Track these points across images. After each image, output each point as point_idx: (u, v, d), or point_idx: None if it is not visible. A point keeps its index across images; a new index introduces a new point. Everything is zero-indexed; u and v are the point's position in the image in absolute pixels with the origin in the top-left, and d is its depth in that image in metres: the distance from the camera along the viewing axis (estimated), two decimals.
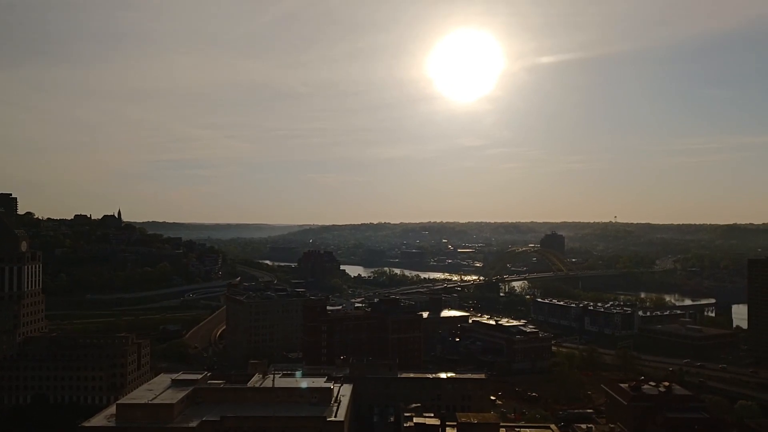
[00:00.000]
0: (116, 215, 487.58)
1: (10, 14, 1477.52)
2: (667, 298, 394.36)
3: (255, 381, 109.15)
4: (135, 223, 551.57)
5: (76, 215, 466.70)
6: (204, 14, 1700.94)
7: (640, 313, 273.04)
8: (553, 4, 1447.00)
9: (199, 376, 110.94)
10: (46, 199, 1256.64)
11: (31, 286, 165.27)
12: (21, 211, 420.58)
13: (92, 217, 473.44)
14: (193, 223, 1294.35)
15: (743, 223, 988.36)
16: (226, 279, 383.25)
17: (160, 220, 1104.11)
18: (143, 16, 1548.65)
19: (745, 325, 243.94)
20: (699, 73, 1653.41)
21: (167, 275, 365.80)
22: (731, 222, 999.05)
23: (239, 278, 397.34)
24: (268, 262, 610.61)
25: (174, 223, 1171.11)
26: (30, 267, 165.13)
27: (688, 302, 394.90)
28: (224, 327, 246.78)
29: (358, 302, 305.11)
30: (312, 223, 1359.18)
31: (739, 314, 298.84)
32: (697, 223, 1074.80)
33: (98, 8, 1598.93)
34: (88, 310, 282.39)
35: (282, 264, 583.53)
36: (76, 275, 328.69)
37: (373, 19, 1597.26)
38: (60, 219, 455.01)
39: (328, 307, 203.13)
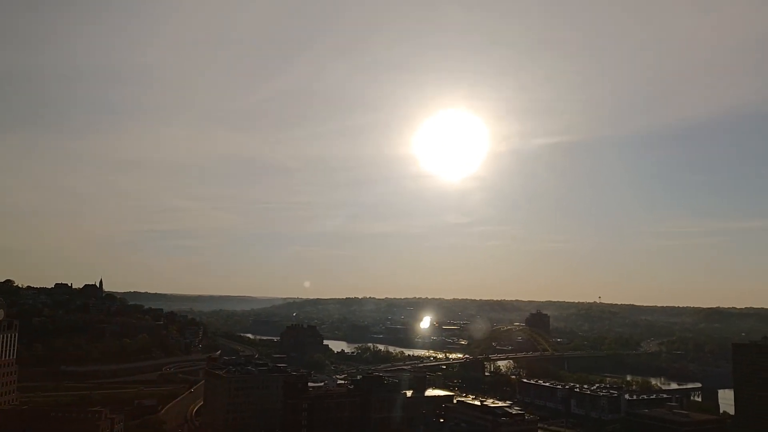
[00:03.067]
0: (97, 285, 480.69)
1: (8, 81, 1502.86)
2: (653, 381, 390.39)
3: None
4: (116, 293, 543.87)
5: (56, 284, 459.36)
6: (197, 90, 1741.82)
7: (627, 396, 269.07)
8: (536, 89, 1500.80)
9: None
10: (28, 266, 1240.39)
11: (5, 356, 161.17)
12: (0, 278, 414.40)
13: (73, 286, 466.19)
14: (175, 294, 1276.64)
15: (726, 306, 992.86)
16: (207, 352, 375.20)
17: (143, 291, 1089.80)
18: (137, 90, 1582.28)
19: (731, 410, 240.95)
20: (678, 158, 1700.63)
21: (146, 347, 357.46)
22: (714, 305, 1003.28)
23: (219, 351, 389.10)
24: (250, 335, 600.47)
25: (156, 293, 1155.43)
26: (5, 336, 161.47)
27: (674, 386, 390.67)
28: (202, 403, 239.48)
29: (341, 379, 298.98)
30: (296, 297, 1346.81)
31: (726, 399, 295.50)
32: (681, 305, 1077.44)
33: (94, 81, 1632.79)
34: (62, 382, 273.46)
35: (264, 338, 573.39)
36: (53, 346, 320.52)
37: (363, 99, 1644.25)
38: (40, 287, 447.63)
39: (310, 384, 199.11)
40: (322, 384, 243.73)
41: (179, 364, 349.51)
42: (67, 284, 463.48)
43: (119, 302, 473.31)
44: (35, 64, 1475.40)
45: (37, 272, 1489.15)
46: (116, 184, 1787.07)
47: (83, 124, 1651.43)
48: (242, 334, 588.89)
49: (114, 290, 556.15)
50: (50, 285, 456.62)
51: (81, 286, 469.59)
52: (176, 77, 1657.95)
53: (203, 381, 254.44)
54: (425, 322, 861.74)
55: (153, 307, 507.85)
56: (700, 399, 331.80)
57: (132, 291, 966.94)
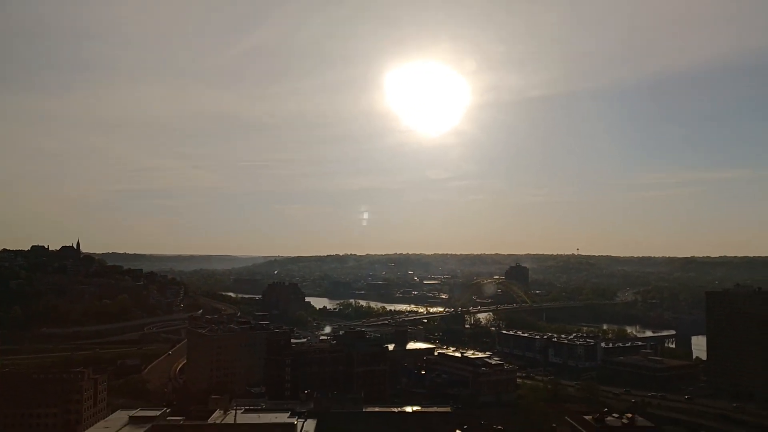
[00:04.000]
0: (75, 246, 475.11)
1: None
2: (629, 329, 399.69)
3: (216, 417, 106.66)
4: (95, 254, 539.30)
5: (33, 246, 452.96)
6: (172, 46, 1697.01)
7: (603, 344, 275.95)
8: (516, 42, 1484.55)
9: (158, 413, 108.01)
10: (3, 229, 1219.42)
11: None
12: None
13: (50, 248, 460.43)
14: (155, 255, 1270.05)
15: (700, 256, 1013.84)
16: (188, 311, 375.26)
17: (121, 252, 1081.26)
18: (110, 47, 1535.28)
19: (704, 356, 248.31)
20: (657, 110, 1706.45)
21: (127, 308, 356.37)
22: (689, 255, 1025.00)
23: (201, 311, 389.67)
24: (231, 294, 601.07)
25: (135, 254, 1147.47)
26: None
27: (649, 334, 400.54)
28: (185, 361, 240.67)
29: (323, 335, 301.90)
30: (277, 255, 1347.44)
31: (699, 346, 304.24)
32: (657, 255, 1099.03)
33: (64, 37, 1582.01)
34: (42, 344, 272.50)
35: (246, 296, 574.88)
36: (32, 308, 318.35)
37: (342, 53, 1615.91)
38: (16, 250, 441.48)
39: (293, 341, 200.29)
40: (304, 340, 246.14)
41: (161, 324, 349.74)
42: (43, 246, 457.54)
43: (98, 263, 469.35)
44: (1, 20, 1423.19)
45: (12, 235, 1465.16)
46: (91, 144, 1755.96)
47: (56, 83, 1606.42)
48: (224, 293, 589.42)
49: (92, 251, 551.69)
50: (27, 247, 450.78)
51: (58, 248, 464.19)
52: (151, 33, 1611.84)
53: (186, 340, 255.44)
54: (406, 277, 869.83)
55: (132, 267, 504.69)
56: (674, 346, 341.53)
57: (110, 252, 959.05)
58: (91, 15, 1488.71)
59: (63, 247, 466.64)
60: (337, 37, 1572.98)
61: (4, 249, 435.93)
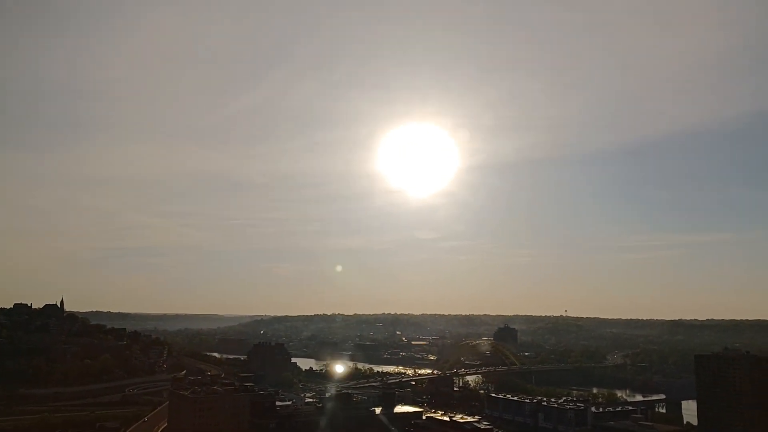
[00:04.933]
0: (58, 304, 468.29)
1: None
2: (619, 393, 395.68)
3: None
4: (78, 312, 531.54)
5: (15, 304, 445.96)
6: (164, 106, 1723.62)
7: (593, 409, 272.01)
8: (503, 107, 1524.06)
9: None
10: None
11: None
12: None
13: (33, 306, 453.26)
14: (139, 314, 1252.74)
15: (688, 318, 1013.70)
16: (172, 372, 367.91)
17: (105, 310, 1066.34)
18: (102, 106, 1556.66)
19: (695, 421, 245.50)
20: (642, 174, 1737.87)
21: (108, 368, 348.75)
22: (676, 317, 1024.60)
23: (185, 372, 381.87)
24: (216, 354, 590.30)
25: (119, 312, 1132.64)
26: None
27: (639, 398, 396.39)
28: (166, 425, 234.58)
29: (309, 397, 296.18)
30: (264, 314, 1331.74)
31: (689, 410, 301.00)
32: (645, 318, 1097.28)
33: (57, 96, 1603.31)
34: (21, 406, 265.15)
35: (231, 357, 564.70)
36: (11, 367, 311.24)
37: (331, 115, 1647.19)
38: None
39: (278, 403, 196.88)
40: (290, 403, 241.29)
41: (143, 385, 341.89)
42: (26, 304, 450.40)
43: (81, 322, 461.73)
44: None
45: None
46: (80, 201, 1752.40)
47: (46, 140, 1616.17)
48: (208, 353, 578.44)
49: (76, 310, 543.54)
50: (9, 305, 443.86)
51: (41, 306, 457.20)
52: (142, 93, 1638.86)
53: (168, 402, 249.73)
54: (394, 338, 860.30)
55: (116, 326, 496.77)
56: (664, 410, 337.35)
57: (94, 311, 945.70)
58: (83, 74, 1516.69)
59: (46, 305, 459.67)
60: (328, 99, 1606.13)
61: None
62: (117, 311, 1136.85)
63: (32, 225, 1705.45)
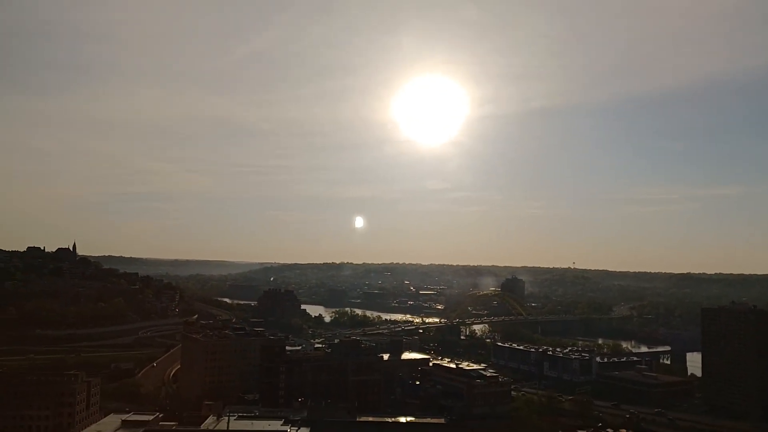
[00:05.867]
0: (71, 248, 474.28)
1: None
2: (624, 344, 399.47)
3: (209, 423, 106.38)
4: (91, 256, 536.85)
5: (29, 247, 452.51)
6: (171, 50, 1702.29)
7: (598, 359, 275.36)
8: (514, 55, 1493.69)
9: (151, 417, 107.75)
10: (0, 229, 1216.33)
11: None
12: None
13: (46, 250, 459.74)
14: (151, 259, 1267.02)
15: (696, 272, 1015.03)
16: (183, 316, 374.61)
17: (117, 255, 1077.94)
18: (109, 49, 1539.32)
19: (699, 372, 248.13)
20: (653, 125, 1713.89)
21: (122, 311, 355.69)
22: (685, 271, 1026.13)
23: (196, 316, 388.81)
24: (227, 300, 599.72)
25: (131, 257, 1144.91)
26: None
27: (644, 349, 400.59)
28: (179, 366, 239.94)
29: (318, 343, 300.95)
30: (274, 261, 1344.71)
31: (694, 362, 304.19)
32: (653, 271, 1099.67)
33: (63, 39, 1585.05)
34: (36, 346, 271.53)
35: (242, 302, 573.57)
36: (26, 309, 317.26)
37: (341, 62, 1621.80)
38: (12, 251, 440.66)
39: (287, 348, 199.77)
40: (299, 348, 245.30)
41: (156, 329, 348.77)
42: (39, 248, 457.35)
43: (94, 266, 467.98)
44: (2, 21, 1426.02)
45: (8, 235, 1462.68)
46: (87, 145, 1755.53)
47: (52, 83, 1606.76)
48: (219, 299, 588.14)
49: (88, 254, 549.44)
50: (23, 248, 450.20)
51: (54, 250, 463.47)
52: (149, 36, 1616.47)
53: (180, 345, 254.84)
54: (402, 287, 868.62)
55: (128, 271, 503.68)
56: (669, 362, 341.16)
57: (106, 255, 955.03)
58: (89, 17, 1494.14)
59: (59, 249, 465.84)
60: (336, 45, 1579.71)
61: (0, 249, 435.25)
62: (129, 256, 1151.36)
63: (40, 168, 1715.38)
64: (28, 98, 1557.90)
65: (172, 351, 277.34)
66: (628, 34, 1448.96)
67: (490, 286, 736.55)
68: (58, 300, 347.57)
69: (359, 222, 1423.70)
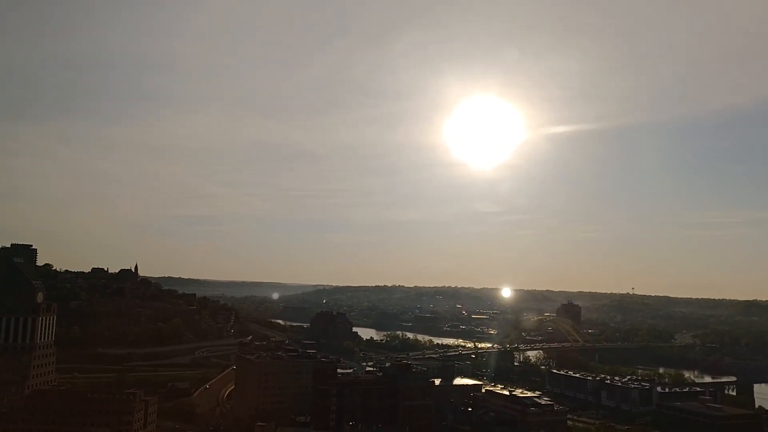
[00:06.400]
0: (133, 269, 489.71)
1: (44, 71, 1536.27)
2: (687, 374, 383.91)
3: None
4: (151, 277, 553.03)
5: (93, 268, 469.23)
6: (228, 77, 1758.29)
7: (659, 389, 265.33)
8: (570, 77, 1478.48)
9: None
10: (66, 250, 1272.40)
11: (44, 338, 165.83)
12: (40, 262, 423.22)
13: (109, 271, 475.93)
14: (208, 280, 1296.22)
15: (763, 299, 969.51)
16: (238, 337, 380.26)
17: (176, 276, 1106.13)
18: (169, 77, 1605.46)
19: (767, 405, 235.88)
20: (715, 147, 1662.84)
21: (179, 331, 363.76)
22: (751, 298, 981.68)
23: (251, 337, 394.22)
24: (280, 321, 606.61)
25: (189, 279, 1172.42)
26: (44, 319, 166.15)
27: (708, 379, 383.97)
28: (233, 387, 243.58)
29: (370, 366, 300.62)
30: (326, 284, 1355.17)
31: (762, 394, 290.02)
32: (717, 297, 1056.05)
33: (127, 68, 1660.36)
34: (98, 365, 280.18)
35: (294, 324, 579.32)
36: (90, 328, 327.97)
37: (394, 87, 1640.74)
38: (77, 271, 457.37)
39: (339, 370, 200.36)
40: (351, 371, 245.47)
41: (211, 349, 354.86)
42: (103, 269, 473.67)
43: (154, 287, 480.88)
44: (69, 53, 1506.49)
45: (74, 256, 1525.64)
46: (149, 170, 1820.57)
47: (116, 111, 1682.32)
48: (273, 320, 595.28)
49: (149, 275, 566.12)
50: (87, 269, 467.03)
51: (117, 271, 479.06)
52: (208, 64, 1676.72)
53: (235, 365, 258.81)
54: (454, 311, 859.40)
55: (186, 292, 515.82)
56: (734, 393, 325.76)
57: (166, 276, 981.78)
58: (151, 47, 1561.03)
59: (121, 270, 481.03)
60: (390, 70, 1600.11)
61: (66, 270, 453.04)
62: (187, 277, 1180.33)
63: (104, 192, 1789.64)
64: (94, 124, 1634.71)
65: (226, 371, 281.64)
66: (687, 54, 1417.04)
67: (544, 311, 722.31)
68: (119, 320, 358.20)
69: (410, 245, 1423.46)
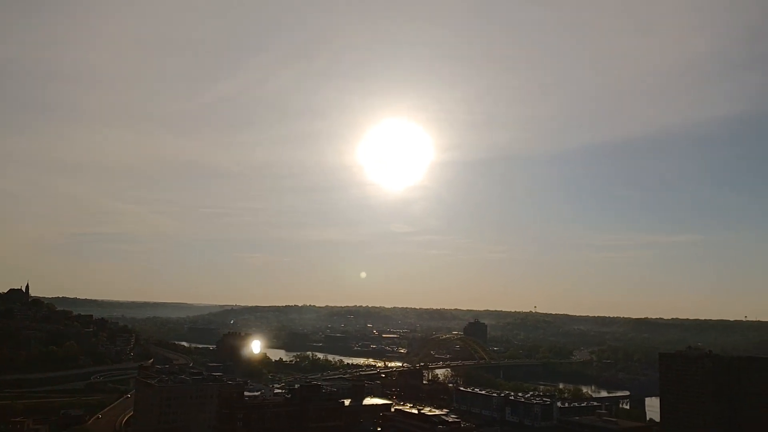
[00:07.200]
0: (23, 289, 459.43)
1: None
2: (584, 389, 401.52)
3: None
4: (44, 298, 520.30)
5: None
6: (138, 91, 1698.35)
7: (559, 404, 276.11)
8: (479, 103, 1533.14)
9: None
10: None
11: None
12: None
13: None
14: (108, 300, 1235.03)
15: (654, 317, 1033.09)
16: (139, 360, 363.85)
17: (72, 297, 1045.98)
18: (76, 89, 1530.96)
19: (657, 417, 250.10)
20: (612, 174, 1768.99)
21: (74, 355, 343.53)
22: (643, 316, 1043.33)
23: (152, 360, 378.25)
24: (185, 343, 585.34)
25: (87, 299, 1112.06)
26: None
27: (604, 394, 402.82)
28: (131, 413, 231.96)
29: (278, 388, 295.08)
30: (234, 304, 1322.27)
31: (652, 407, 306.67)
32: (612, 315, 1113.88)
33: (28, 78, 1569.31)
34: None
35: (200, 346, 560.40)
36: None
37: (309, 106, 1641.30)
38: None
39: (246, 393, 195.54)
40: (258, 393, 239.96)
41: (109, 373, 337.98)
42: None
43: (46, 308, 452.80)
44: None
45: None
46: (51, 185, 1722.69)
47: (17, 122, 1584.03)
48: (177, 342, 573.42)
49: (42, 295, 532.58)
50: None
51: (6, 291, 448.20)
52: (118, 77, 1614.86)
53: (134, 390, 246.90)
54: (365, 330, 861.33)
55: (83, 313, 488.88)
56: (628, 407, 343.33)
57: (61, 296, 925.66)
58: (57, 56, 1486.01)
59: (11, 290, 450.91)
60: (305, 90, 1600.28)
61: None
62: (84, 297, 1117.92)
63: None
64: None
65: (125, 397, 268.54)
66: (593, 84, 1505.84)
67: (453, 329, 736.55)
68: (8, 343, 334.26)
69: (322, 264, 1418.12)
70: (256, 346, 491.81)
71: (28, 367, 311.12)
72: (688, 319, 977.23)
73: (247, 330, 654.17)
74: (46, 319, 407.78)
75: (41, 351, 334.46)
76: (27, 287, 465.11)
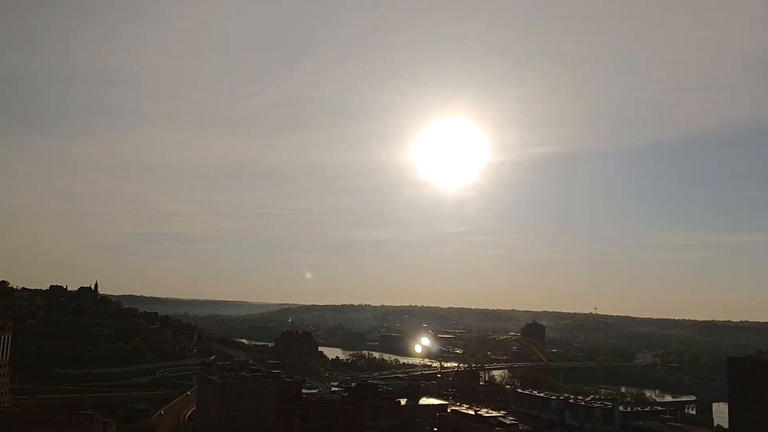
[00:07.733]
0: (93, 287, 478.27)
1: (6, 83, 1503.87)
2: (648, 393, 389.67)
3: None
4: (111, 296, 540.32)
5: (51, 286, 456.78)
6: (196, 94, 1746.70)
7: (621, 408, 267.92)
8: (536, 101, 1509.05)
9: None
10: (23, 268, 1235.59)
11: None
12: None
13: (68, 289, 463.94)
14: (171, 298, 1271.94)
15: (721, 320, 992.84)
16: (201, 357, 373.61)
17: (138, 294, 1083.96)
18: (135, 94, 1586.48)
19: (725, 424, 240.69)
20: (676, 171, 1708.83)
21: (140, 351, 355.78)
22: (710, 318, 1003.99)
23: (214, 357, 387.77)
24: (244, 341, 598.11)
25: (151, 297, 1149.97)
26: None
27: (668, 398, 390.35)
28: (194, 408, 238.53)
29: (335, 386, 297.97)
30: (292, 302, 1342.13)
31: (720, 413, 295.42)
32: (676, 318, 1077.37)
33: (92, 83, 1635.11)
34: (54, 385, 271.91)
35: (259, 343, 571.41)
36: (46, 348, 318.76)
37: (362, 106, 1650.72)
38: (35, 289, 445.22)
39: (304, 391, 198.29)
40: (315, 391, 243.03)
41: (173, 369, 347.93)
42: (62, 286, 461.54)
43: (114, 305, 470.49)
44: (33, 66, 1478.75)
45: (32, 274, 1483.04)
46: (113, 187, 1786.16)
47: (80, 126, 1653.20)
48: (237, 340, 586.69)
49: (109, 293, 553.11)
50: (45, 287, 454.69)
51: (76, 289, 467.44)
52: (175, 81, 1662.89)
53: (197, 386, 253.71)
54: (421, 330, 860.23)
55: (148, 310, 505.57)
56: (694, 412, 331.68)
57: (127, 294, 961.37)
58: (116, 62, 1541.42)
59: (81, 288, 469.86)
60: (359, 90, 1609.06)
61: (23, 287, 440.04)
62: (149, 295, 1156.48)
63: (66, 209, 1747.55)
64: (55, 140, 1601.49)
65: (188, 392, 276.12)
66: (650, 79, 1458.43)
67: (509, 330, 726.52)
68: (78, 339, 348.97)
69: (377, 264, 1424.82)
70: (313, 345, 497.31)
71: (97, 362, 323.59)
72: (758, 321, 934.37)
73: (305, 328, 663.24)
74: (114, 316, 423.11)
75: (109, 347, 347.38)
76: (96, 285, 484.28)
